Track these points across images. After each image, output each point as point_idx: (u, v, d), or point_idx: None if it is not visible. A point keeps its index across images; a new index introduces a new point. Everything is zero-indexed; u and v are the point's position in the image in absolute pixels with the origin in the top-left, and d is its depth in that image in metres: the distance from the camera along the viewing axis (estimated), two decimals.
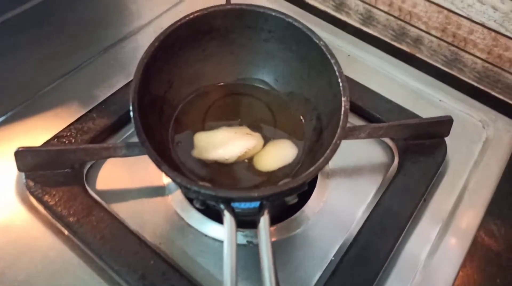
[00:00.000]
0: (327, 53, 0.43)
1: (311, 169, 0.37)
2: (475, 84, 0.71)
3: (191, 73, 0.48)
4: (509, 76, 0.67)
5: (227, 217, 0.37)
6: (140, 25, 0.64)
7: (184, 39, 0.46)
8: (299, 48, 0.47)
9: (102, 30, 0.63)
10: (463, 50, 0.70)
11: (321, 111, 0.46)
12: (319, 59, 0.44)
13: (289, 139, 0.48)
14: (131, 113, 0.39)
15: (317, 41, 0.44)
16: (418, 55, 0.75)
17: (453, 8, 0.67)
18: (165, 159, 0.40)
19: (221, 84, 0.51)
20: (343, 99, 0.40)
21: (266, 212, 0.38)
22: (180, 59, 0.47)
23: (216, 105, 0.50)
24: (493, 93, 0.69)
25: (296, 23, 0.45)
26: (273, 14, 0.46)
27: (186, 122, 0.48)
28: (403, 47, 0.76)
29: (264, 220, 0.37)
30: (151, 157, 0.37)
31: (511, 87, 0.67)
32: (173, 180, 0.38)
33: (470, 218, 0.48)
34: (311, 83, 0.47)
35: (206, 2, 0.65)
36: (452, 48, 0.71)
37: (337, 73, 0.42)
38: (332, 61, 0.43)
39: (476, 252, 0.46)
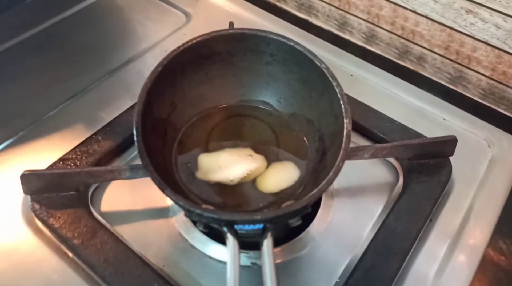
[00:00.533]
0: (328, 75, 0.44)
1: (314, 191, 0.37)
2: (480, 101, 0.71)
3: (194, 96, 0.49)
4: None
5: (230, 239, 0.38)
6: (145, 47, 0.66)
7: (187, 63, 0.47)
8: (301, 70, 0.48)
9: (107, 53, 0.64)
10: (467, 67, 0.71)
11: (324, 132, 0.47)
12: (320, 81, 0.45)
13: (292, 161, 0.48)
14: (135, 137, 0.39)
15: (319, 64, 0.45)
16: (422, 72, 0.76)
17: (456, 27, 0.68)
18: (169, 181, 0.40)
19: (224, 106, 0.52)
20: (345, 121, 0.41)
21: (269, 234, 0.38)
22: (183, 82, 0.48)
23: (219, 127, 0.50)
24: (499, 110, 0.70)
25: (297, 47, 0.46)
26: (275, 38, 0.47)
27: (190, 144, 0.49)
28: (407, 65, 0.77)
29: (267, 243, 0.38)
30: (154, 180, 0.38)
31: None
32: (176, 203, 0.38)
33: (477, 237, 0.48)
34: (313, 105, 0.48)
35: (210, 25, 0.67)
36: (456, 65, 0.71)
37: (338, 95, 0.42)
38: (334, 83, 0.43)
39: (485, 271, 0.46)
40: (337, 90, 0.43)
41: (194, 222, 0.48)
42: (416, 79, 0.72)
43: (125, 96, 0.57)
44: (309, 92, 0.48)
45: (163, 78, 0.44)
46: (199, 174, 0.46)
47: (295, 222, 0.40)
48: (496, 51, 0.66)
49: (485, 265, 0.46)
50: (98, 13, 0.72)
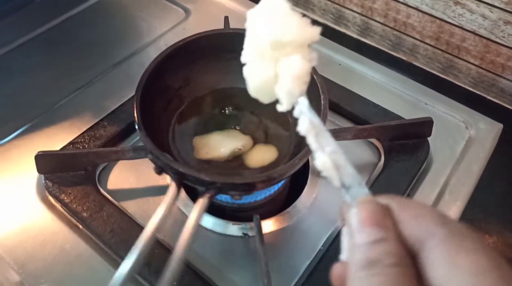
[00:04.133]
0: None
1: (260, 175, 0.43)
2: (471, 89, 0.76)
3: (207, 79, 0.57)
4: (503, 81, 0.73)
5: (172, 186, 0.44)
6: (147, 42, 0.74)
7: (207, 49, 0.55)
8: None
9: (112, 48, 0.72)
10: (457, 57, 0.76)
11: None
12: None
13: (277, 140, 0.55)
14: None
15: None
16: (415, 63, 0.81)
17: (445, 18, 0.73)
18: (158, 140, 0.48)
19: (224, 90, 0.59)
20: (321, 96, 0.47)
21: (208, 195, 0.43)
22: (202, 64, 0.56)
23: (216, 111, 0.58)
24: (489, 97, 0.75)
25: None
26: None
27: (189, 119, 0.57)
28: (401, 55, 0.82)
29: (202, 201, 0.42)
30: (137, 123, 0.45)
31: (505, 91, 0.73)
32: (144, 144, 0.45)
33: (451, 210, 0.54)
34: None
35: (208, 20, 0.75)
36: (447, 55, 0.77)
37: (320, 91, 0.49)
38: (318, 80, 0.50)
39: None
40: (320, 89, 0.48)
41: (192, 198, 0.55)
42: (410, 69, 0.77)
43: (129, 86, 0.64)
44: None
45: (183, 52, 0.52)
46: (195, 154, 0.53)
47: (235, 194, 0.45)
48: (484, 40, 0.71)
49: None
50: (103, 11, 0.80)
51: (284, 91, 0.33)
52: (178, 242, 0.39)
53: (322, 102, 0.45)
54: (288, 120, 0.56)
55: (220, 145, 0.52)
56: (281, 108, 0.34)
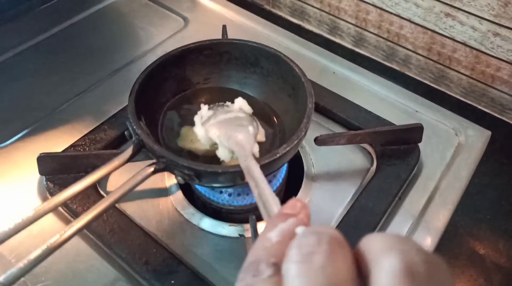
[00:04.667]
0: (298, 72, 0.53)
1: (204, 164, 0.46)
2: (462, 99, 0.79)
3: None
4: (493, 91, 0.75)
5: (131, 148, 0.49)
6: (147, 49, 0.76)
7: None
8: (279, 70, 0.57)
9: (112, 55, 0.75)
10: (448, 67, 0.79)
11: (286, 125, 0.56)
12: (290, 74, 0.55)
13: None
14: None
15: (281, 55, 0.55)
16: (408, 73, 0.84)
17: (437, 29, 0.76)
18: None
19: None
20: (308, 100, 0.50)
21: (153, 168, 0.47)
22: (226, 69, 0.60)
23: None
24: (480, 107, 0.78)
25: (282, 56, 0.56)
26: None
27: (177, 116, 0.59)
28: (394, 66, 0.85)
29: (147, 169, 0.47)
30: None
31: (495, 101, 0.76)
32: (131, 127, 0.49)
33: (440, 213, 0.56)
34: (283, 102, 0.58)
35: (206, 29, 0.77)
36: (439, 65, 0.80)
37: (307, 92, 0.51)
38: (303, 79, 0.52)
39: (445, 244, 0.55)
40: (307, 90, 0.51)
41: (190, 200, 0.56)
42: (402, 79, 0.80)
43: (128, 92, 0.66)
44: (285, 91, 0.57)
45: (208, 51, 0.58)
46: (179, 141, 0.55)
47: (179, 175, 0.47)
48: (474, 51, 0.74)
49: (445, 237, 0.55)
50: (103, 19, 0.83)
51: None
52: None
53: (308, 105, 0.48)
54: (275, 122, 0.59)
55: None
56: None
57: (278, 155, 0.45)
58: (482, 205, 0.60)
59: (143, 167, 0.47)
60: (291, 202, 0.28)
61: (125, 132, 0.51)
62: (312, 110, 0.48)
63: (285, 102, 0.57)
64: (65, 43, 0.77)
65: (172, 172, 0.48)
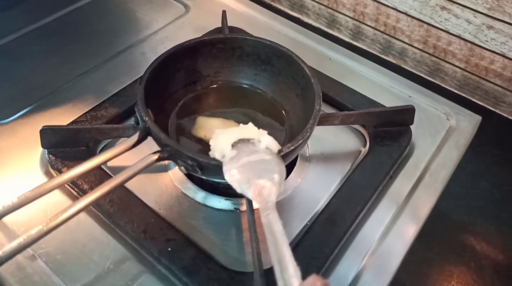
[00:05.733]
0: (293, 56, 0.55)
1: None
2: (457, 91, 0.82)
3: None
4: (486, 83, 0.78)
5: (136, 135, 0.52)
6: (148, 34, 0.79)
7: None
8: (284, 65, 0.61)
9: (114, 38, 0.78)
10: (443, 60, 0.81)
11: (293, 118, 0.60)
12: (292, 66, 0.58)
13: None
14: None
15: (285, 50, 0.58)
16: (404, 66, 0.87)
17: (432, 22, 0.79)
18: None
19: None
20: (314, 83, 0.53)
21: (157, 156, 0.50)
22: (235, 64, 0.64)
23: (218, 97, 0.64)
24: (474, 100, 0.80)
25: (272, 44, 0.60)
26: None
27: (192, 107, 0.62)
28: (390, 59, 0.88)
29: (148, 158, 0.50)
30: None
31: (489, 94, 0.78)
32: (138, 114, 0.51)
33: (430, 193, 0.58)
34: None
35: (207, 16, 0.80)
36: (434, 58, 0.82)
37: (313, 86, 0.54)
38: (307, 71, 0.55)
39: (434, 218, 0.57)
40: (313, 82, 0.55)
41: (188, 176, 0.59)
42: (398, 72, 0.82)
43: (130, 73, 0.69)
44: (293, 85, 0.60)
45: (221, 45, 0.62)
46: (194, 130, 0.58)
47: (181, 165, 0.50)
48: (469, 44, 0.76)
49: (437, 225, 0.58)
50: (106, 4, 0.86)
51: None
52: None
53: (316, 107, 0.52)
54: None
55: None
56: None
57: (282, 154, 0.47)
58: (474, 194, 0.63)
59: (148, 154, 0.50)
60: (311, 280, 0.28)
61: (133, 118, 0.54)
62: (319, 112, 0.52)
63: (293, 101, 0.60)
64: (68, 27, 0.80)
65: (176, 162, 0.50)
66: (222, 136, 0.49)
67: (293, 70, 0.59)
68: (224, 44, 0.61)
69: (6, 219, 0.53)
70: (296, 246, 0.52)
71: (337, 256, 0.52)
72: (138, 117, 0.52)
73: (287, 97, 0.61)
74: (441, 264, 0.56)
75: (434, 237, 0.57)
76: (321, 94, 0.53)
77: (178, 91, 0.61)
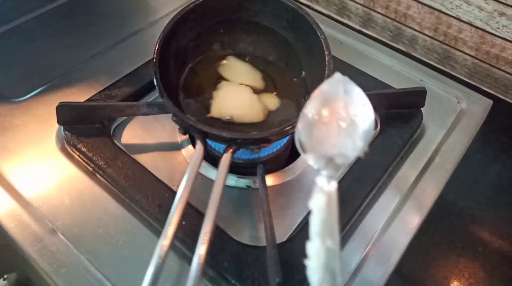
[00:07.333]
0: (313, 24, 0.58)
1: (276, 129, 0.51)
2: (467, 79, 0.83)
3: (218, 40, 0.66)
4: (497, 71, 0.79)
5: (198, 146, 0.52)
6: (158, 17, 0.82)
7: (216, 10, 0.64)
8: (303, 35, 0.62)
9: (126, 21, 0.81)
10: (454, 48, 0.83)
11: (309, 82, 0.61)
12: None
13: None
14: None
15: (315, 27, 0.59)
16: (414, 53, 0.88)
17: (443, 9, 0.80)
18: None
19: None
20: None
21: (230, 151, 0.51)
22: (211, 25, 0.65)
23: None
24: (483, 88, 0.82)
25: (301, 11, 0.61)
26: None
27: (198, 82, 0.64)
28: (400, 47, 0.89)
29: (226, 157, 0.51)
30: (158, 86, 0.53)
31: (498, 82, 0.80)
32: (168, 107, 0.52)
33: (440, 173, 0.60)
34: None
35: None
36: (444, 46, 0.84)
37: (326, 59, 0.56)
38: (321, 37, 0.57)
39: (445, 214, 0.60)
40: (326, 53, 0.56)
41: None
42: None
43: (142, 54, 0.71)
44: (310, 56, 0.62)
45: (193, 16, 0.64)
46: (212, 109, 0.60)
47: (255, 148, 0.52)
48: (480, 31, 0.78)
49: (444, 210, 0.60)
50: None
51: None
52: (211, 198, 0.49)
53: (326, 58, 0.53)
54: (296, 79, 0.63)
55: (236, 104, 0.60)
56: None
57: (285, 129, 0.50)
58: (483, 181, 0.65)
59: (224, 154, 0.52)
60: None
61: (178, 130, 0.55)
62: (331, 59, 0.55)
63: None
64: (81, 8, 0.83)
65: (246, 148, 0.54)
66: None
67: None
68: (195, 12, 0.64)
69: (26, 195, 0.56)
70: (305, 226, 0.54)
71: (343, 240, 0.54)
72: (187, 127, 0.53)
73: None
74: (448, 250, 0.58)
75: (441, 224, 0.59)
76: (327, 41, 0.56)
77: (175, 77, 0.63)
